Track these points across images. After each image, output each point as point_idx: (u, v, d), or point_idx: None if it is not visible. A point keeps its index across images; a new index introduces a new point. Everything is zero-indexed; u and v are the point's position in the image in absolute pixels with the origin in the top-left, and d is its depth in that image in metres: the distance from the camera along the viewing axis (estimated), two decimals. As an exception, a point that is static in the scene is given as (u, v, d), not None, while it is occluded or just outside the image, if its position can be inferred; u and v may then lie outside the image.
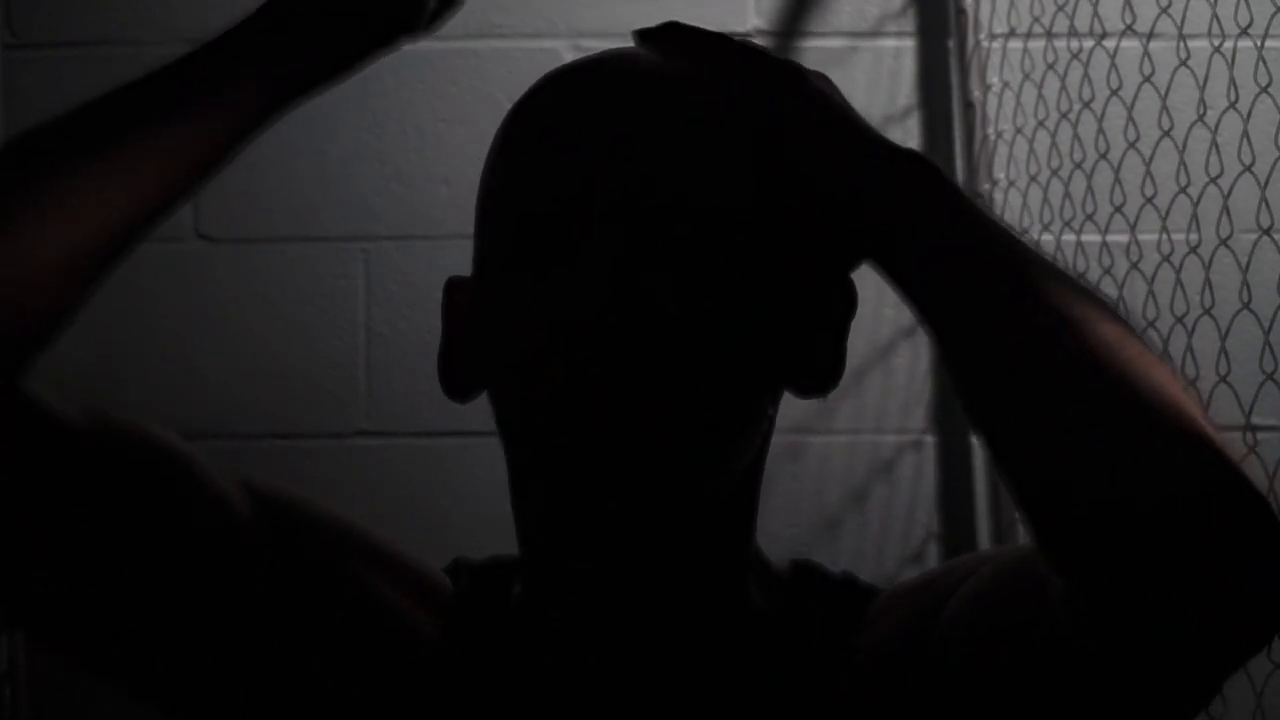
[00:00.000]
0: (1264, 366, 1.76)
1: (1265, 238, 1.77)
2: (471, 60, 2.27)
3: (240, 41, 0.97)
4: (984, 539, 2.24)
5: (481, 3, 2.28)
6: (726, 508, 0.98)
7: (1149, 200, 1.98)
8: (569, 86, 0.97)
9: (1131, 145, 2.01)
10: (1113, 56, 2.06)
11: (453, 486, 2.23)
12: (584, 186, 0.93)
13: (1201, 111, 1.86)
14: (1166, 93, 1.96)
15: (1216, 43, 1.83)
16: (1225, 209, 1.82)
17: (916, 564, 2.26)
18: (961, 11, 2.27)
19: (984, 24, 2.27)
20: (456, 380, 1.01)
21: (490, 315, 0.95)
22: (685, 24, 0.97)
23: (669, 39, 0.97)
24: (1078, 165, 2.13)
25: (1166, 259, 1.93)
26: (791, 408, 1.02)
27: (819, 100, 0.93)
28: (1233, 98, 1.81)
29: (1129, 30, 2.01)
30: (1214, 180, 1.83)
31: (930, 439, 2.28)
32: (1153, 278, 1.96)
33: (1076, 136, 2.13)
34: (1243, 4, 1.80)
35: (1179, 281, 1.92)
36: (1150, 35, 1.99)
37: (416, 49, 2.41)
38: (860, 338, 2.21)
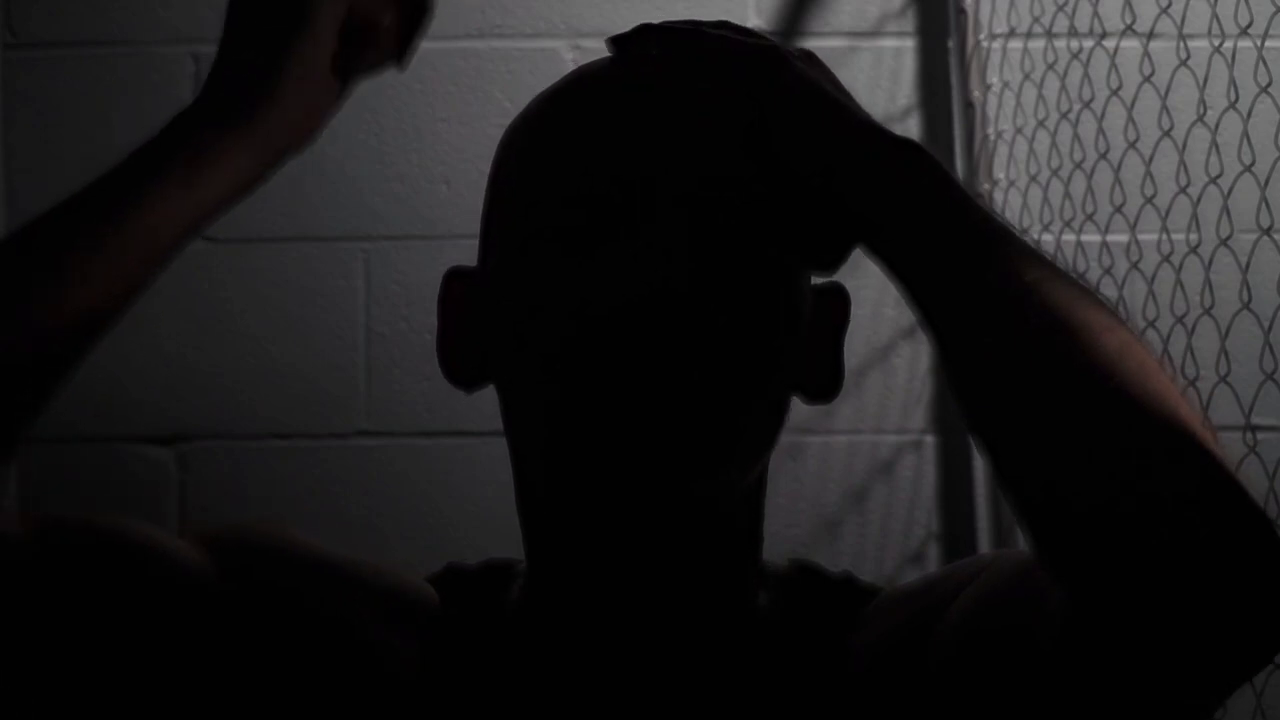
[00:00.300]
0: (1264, 366, 1.75)
1: (1265, 238, 1.77)
2: (471, 60, 2.27)
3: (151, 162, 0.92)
4: (984, 539, 2.24)
5: (481, 3, 2.28)
6: (740, 511, 0.98)
7: (1149, 200, 1.98)
8: (615, 78, 0.96)
9: (1131, 145, 2.01)
10: (1113, 56, 2.06)
11: (453, 486, 2.23)
12: (647, 172, 0.92)
13: (1201, 111, 1.86)
14: (1166, 93, 1.95)
15: (1217, 43, 1.83)
16: (1225, 209, 1.82)
17: (916, 564, 2.26)
18: (962, 11, 2.27)
19: (984, 24, 2.26)
20: (463, 370, 1.01)
21: (521, 298, 0.94)
22: (656, 24, 0.96)
23: (642, 42, 0.95)
24: (1078, 165, 2.13)
25: (1166, 259, 1.93)
26: (791, 408, 1.02)
27: (801, 88, 0.91)
28: (1233, 98, 1.81)
29: (1129, 30, 2.01)
30: (1214, 180, 1.83)
31: (930, 439, 2.28)
32: (1153, 278, 1.96)
33: (1076, 136, 2.13)
34: (1243, 4, 1.80)
35: (1179, 281, 1.92)
36: (1150, 35, 1.99)
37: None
38: (860, 338, 2.21)
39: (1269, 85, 1.76)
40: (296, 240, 2.26)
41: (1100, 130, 2.08)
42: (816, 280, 0.99)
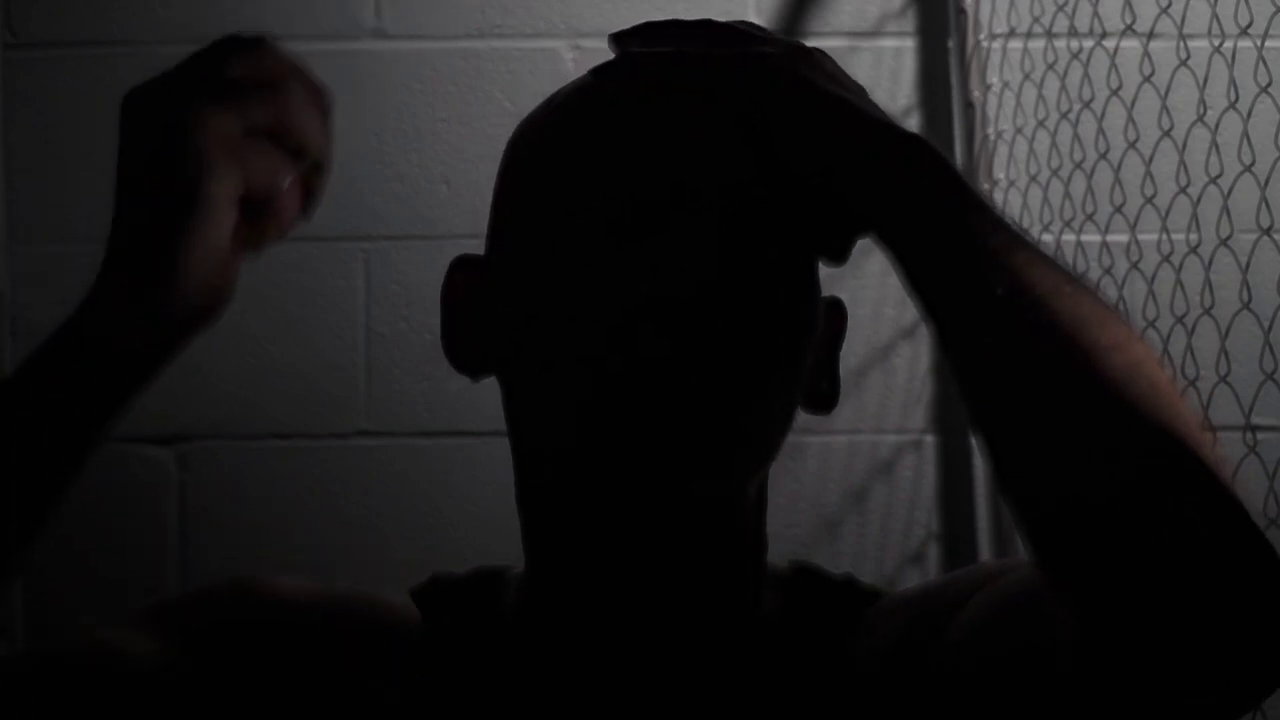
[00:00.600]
0: (1264, 366, 1.75)
1: (1265, 238, 1.77)
2: (471, 60, 2.27)
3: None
4: (984, 539, 2.24)
5: (481, 3, 2.28)
6: (746, 514, 0.97)
7: (1149, 200, 1.97)
8: (632, 79, 0.96)
9: (1131, 145, 2.01)
10: (1113, 56, 2.06)
11: (453, 486, 2.23)
12: (673, 174, 0.92)
13: (1202, 111, 1.85)
14: (1166, 93, 1.95)
15: (1217, 43, 1.83)
16: (1225, 209, 1.82)
17: (916, 564, 2.26)
18: (962, 11, 2.27)
19: (984, 24, 2.26)
20: (470, 359, 1.00)
21: (544, 293, 0.93)
22: (658, 21, 0.95)
23: (644, 38, 0.95)
24: (1078, 165, 2.13)
25: (1166, 259, 1.93)
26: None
27: (799, 89, 0.90)
28: (1233, 98, 1.81)
29: (1129, 30, 2.01)
30: (1214, 180, 1.83)
31: (930, 439, 2.28)
32: (1153, 278, 1.96)
33: (1076, 136, 2.13)
34: (1243, 4, 1.80)
35: (1179, 281, 1.92)
36: (1150, 35, 1.99)
37: (417, 49, 2.41)
38: (860, 338, 2.21)
39: (1269, 85, 1.76)
40: (296, 240, 2.24)
41: (1100, 130, 2.08)
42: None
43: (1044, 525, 0.81)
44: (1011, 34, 2.25)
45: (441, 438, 2.24)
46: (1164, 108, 1.96)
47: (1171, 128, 1.94)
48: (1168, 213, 1.94)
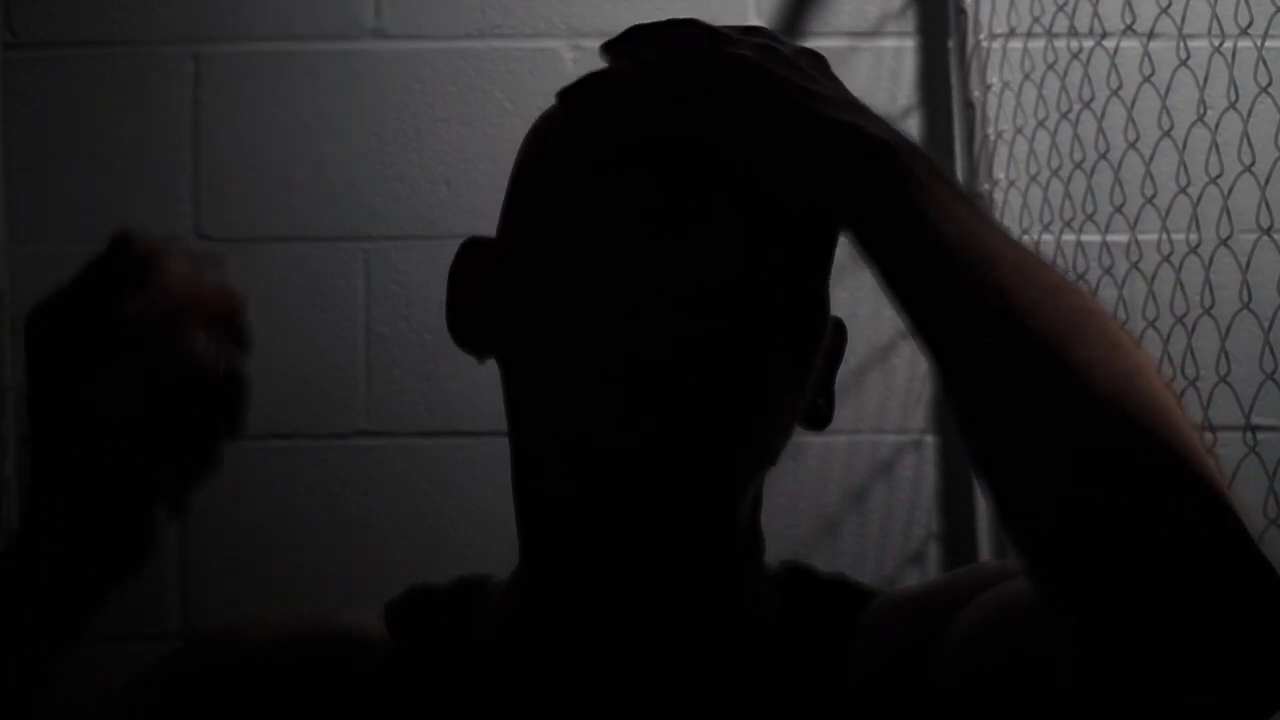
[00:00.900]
0: (1264, 366, 1.75)
1: (1265, 238, 1.77)
2: (471, 60, 2.27)
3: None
4: (984, 539, 2.24)
5: (481, 3, 2.28)
6: (745, 518, 0.97)
7: (1149, 200, 1.97)
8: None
9: (1132, 145, 2.01)
10: (1113, 56, 2.06)
11: (453, 486, 2.23)
12: (700, 174, 0.91)
13: (1202, 111, 1.85)
14: (1166, 92, 1.95)
15: (1217, 42, 1.83)
16: (1225, 209, 1.82)
17: (916, 564, 2.26)
18: (962, 11, 2.27)
19: (984, 24, 2.26)
20: (475, 337, 0.98)
21: (571, 283, 0.92)
22: (645, 25, 0.94)
23: (632, 44, 0.93)
24: (1078, 165, 2.13)
25: (1167, 259, 1.93)
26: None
27: (766, 100, 0.88)
28: (1233, 98, 1.81)
29: (1129, 30, 2.01)
30: (1214, 180, 1.83)
31: (930, 439, 2.28)
32: (1153, 278, 1.96)
33: (1076, 136, 2.13)
34: (1243, 4, 1.80)
35: (1179, 281, 1.92)
36: (1150, 35, 1.99)
37: (417, 49, 2.41)
38: (860, 338, 2.21)
39: (1269, 85, 1.76)
40: (296, 240, 2.26)
41: (1100, 130, 2.08)
42: None
43: (1035, 535, 0.80)
44: (1011, 34, 2.25)
45: (441, 438, 2.24)
46: (1164, 108, 1.96)
47: (1171, 128, 1.94)
48: (1168, 213, 1.94)
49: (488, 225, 1.02)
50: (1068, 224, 2.14)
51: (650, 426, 0.89)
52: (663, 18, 0.96)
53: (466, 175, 2.24)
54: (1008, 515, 0.81)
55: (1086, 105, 2.11)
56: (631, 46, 0.93)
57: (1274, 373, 1.74)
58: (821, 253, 0.95)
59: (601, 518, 0.94)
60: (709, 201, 0.91)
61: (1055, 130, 2.18)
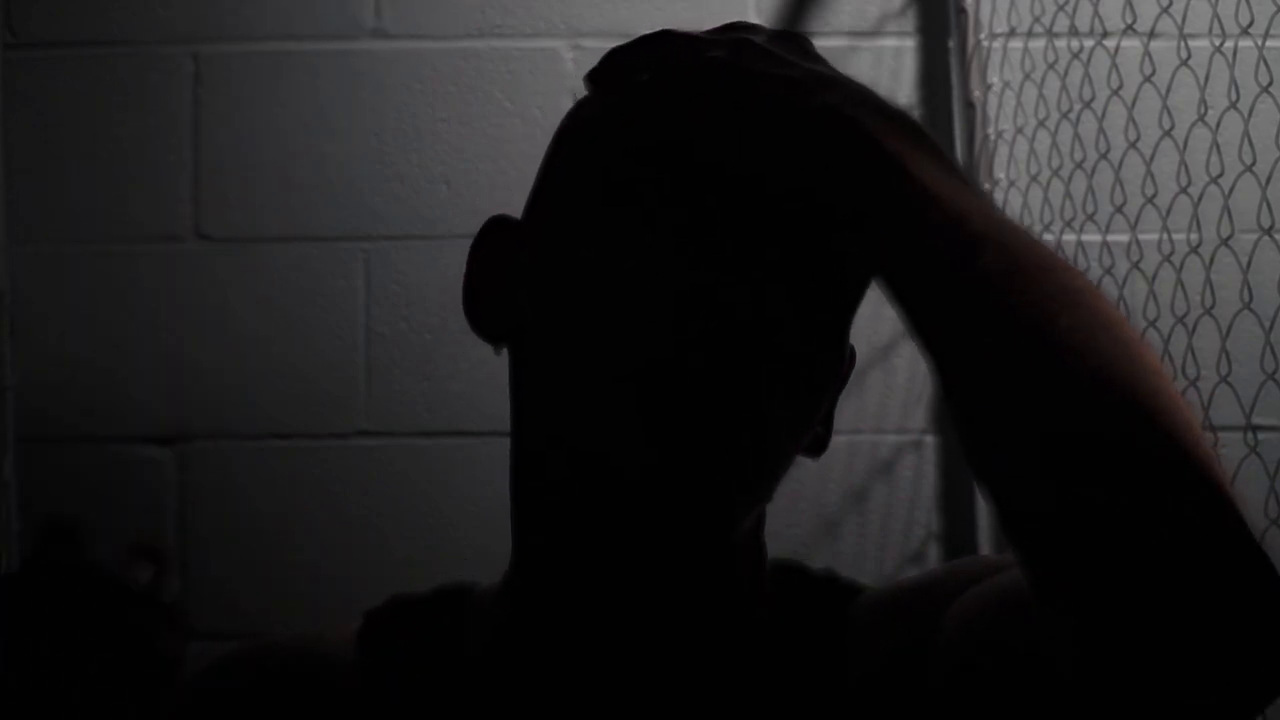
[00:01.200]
0: (1265, 366, 1.75)
1: (1266, 237, 1.77)
2: (471, 60, 2.27)
3: None
4: (984, 539, 2.24)
5: (481, 3, 2.28)
6: (750, 533, 0.96)
7: (1150, 200, 1.97)
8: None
9: (1132, 145, 2.01)
10: (1113, 56, 2.06)
11: (453, 486, 2.23)
12: (740, 189, 0.90)
13: (1202, 111, 1.85)
14: (1167, 92, 1.95)
15: (1217, 42, 1.83)
16: (1226, 209, 1.82)
17: (916, 564, 2.26)
18: (962, 11, 2.27)
19: (984, 23, 2.26)
20: (490, 322, 0.95)
21: (612, 268, 0.89)
22: (621, 47, 0.91)
23: (609, 73, 0.91)
24: (1078, 165, 2.13)
25: (1167, 259, 1.93)
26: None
27: (746, 101, 0.86)
28: (1234, 97, 1.80)
29: (1130, 29, 2.01)
30: (1215, 180, 1.83)
31: (930, 439, 2.28)
32: (1154, 278, 1.95)
33: (1077, 136, 2.13)
34: (1244, 3, 1.80)
35: (1180, 281, 1.92)
36: (1151, 35, 1.99)
37: (417, 49, 2.41)
38: (860, 338, 2.20)
39: (1270, 85, 1.76)
40: (296, 240, 2.26)
41: (1101, 130, 2.08)
42: None
43: (1026, 526, 0.79)
44: (1012, 33, 2.25)
45: (441, 438, 2.24)
46: (1165, 107, 1.96)
47: (1172, 127, 1.94)
48: (1168, 212, 1.94)
49: (488, 225, 1.02)
50: (1068, 224, 2.13)
51: (659, 437, 0.87)
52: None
53: (466, 175, 2.23)
54: (1003, 510, 0.80)
55: (1087, 105, 2.10)
56: (612, 71, 0.91)
57: (1275, 373, 1.74)
58: (851, 295, 0.94)
59: (601, 526, 0.92)
60: (747, 230, 0.89)
61: (1056, 130, 2.18)
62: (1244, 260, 1.80)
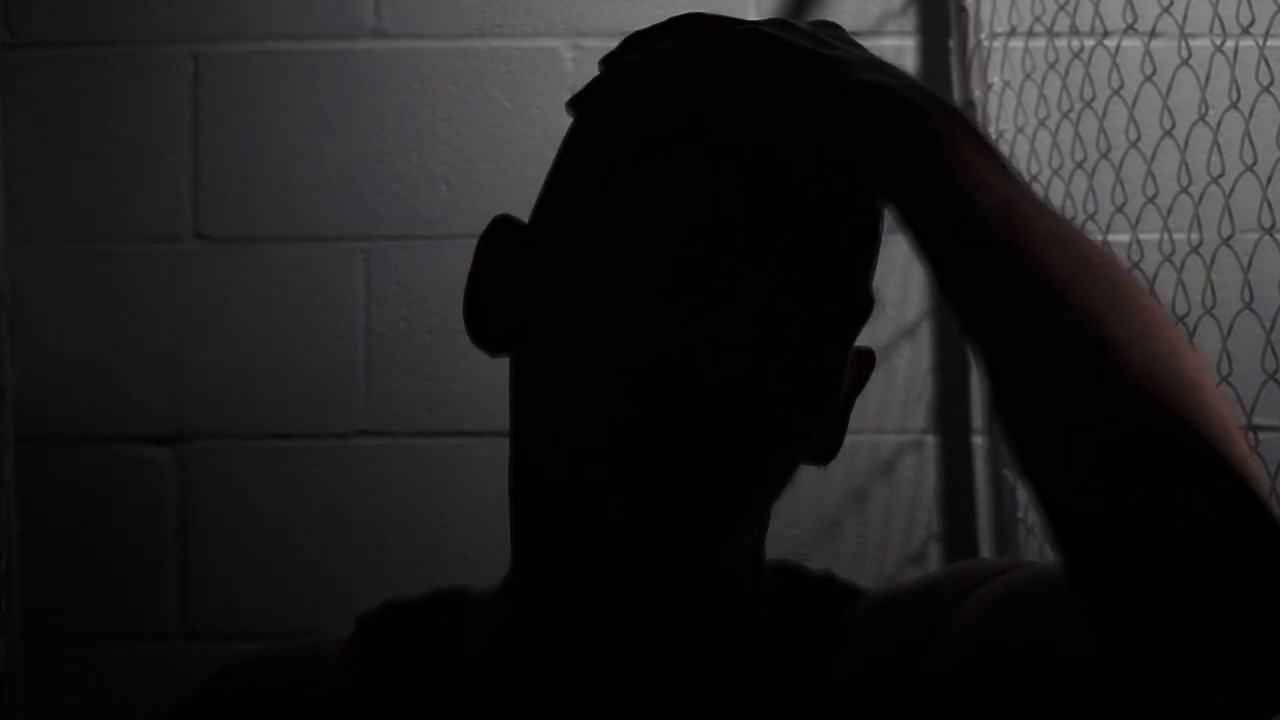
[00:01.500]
0: (1266, 366, 1.75)
1: (1267, 237, 1.77)
2: (471, 60, 2.27)
3: None
4: (984, 539, 2.24)
5: (481, 3, 2.28)
6: (754, 542, 0.96)
7: (1150, 200, 1.97)
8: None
9: (1133, 145, 2.01)
10: (1114, 56, 2.06)
11: (453, 486, 2.23)
12: (756, 222, 0.89)
13: (1203, 111, 1.85)
14: (1168, 92, 1.95)
15: (1218, 42, 1.83)
16: (1227, 209, 1.81)
17: (917, 564, 2.26)
18: (963, 10, 2.27)
19: (985, 23, 2.26)
20: (492, 326, 0.94)
21: (619, 273, 0.87)
22: (643, 30, 0.90)
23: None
24: (1079, 164, 2.13)
25: (1168, 259, 1.93)
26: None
27: (789, 71, 0.84)
28: (1235, 97, 1.80)
29: (1131, 29, 2.01)
30: (1216, 180, 1.83)
31: (930, 439, 2.28)
32: (1154, 277, 1.95)
33: (1078, 136, 2.13)
34: (1244, 3, 1.80)
35: (1181, 281, 1.91)
36: (1152, 34, 1.98)
37: (417, 49, 2.41)
38: (861, 338, 2.20)
39: (1271, 84, 1.76)
40: (296, 240, 2.26)
41: (1102, 129, 2.08)
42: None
43: (1079, 527, 0.77)
44: (1013, 33, 2.24)
45: (441, 438, 2.24)
46: (1165, 107, 1.96)
47: (1173, 127, 1.93)
48: (1169, 212, 1.94)
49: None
50: (1069, 223, 2.13)
51: (662, 436, 0.86)
52: (661, 18, 0.93)
53: (466, 175, 2.23)
54: (1050, 507, 0.78)
55: (1088, 105, 2.10)
56: (631, 53, 0.90)
57: (1275, 373, 1.74)
58: (857, 315, 0.94)
59: (602, 528, 0.90)
60: (760, 218, 0.87)
61: (1056, 130, 2.18)
62: (1245, 260, 1.80)
